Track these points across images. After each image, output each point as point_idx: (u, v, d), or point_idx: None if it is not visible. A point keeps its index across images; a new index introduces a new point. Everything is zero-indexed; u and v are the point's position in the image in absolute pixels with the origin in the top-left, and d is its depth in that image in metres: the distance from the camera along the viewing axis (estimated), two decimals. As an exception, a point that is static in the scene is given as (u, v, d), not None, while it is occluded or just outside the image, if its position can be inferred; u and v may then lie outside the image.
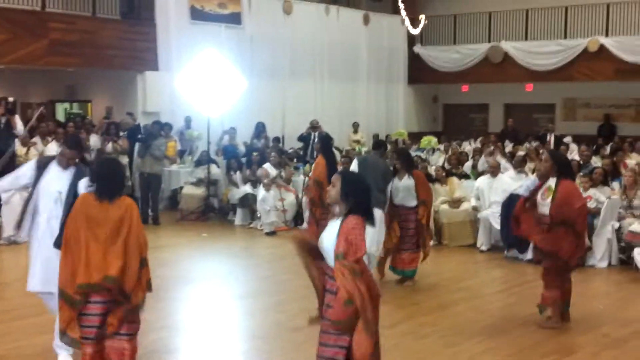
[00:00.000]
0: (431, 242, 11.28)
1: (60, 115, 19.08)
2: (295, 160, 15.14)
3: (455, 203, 11.83)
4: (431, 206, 9.16)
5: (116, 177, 5.40)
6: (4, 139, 12.53)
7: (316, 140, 14.78)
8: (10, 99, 13.03)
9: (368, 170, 10.11)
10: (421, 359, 6.49)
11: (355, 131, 19.58)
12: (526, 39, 21.40)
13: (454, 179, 12.20)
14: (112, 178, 5.35)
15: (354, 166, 9.96)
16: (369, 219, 4.54)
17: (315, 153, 11.21)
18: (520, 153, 14.03)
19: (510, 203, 10.56)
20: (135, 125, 15.17)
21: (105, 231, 5.17)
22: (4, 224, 11.46)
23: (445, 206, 11.82)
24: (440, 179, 12.16)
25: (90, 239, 5.15)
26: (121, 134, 14.53)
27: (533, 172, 11.49)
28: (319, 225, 9.61)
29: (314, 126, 16.90)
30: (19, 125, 12.95)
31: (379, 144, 11.32)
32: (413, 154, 14.12)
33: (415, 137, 20.01)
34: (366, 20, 21.54)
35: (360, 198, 4.55)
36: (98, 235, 5.16)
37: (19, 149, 12.59)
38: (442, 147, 17.19)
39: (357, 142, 18.79)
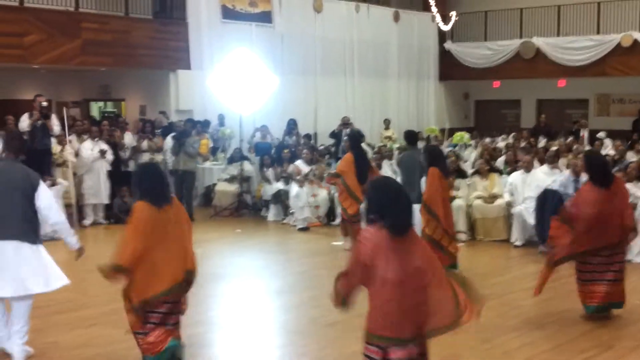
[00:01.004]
0: (463, 237, 11.30)
1: (95, 114, 19.30)
2: (327, 156, 15.17)
3: (490, 198, 11.79)
4: (436, 206, 8.83)
5: (164, 179, 5.70)
6: (41, 140, 12.72)
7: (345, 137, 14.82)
8: (44, 103, 13.12)
9: (403, 169, 10.26)
10: (456, 354, 6.47)
11: (387, 127, 19.56)
12: (558, 34, 21.22)
13: (495, 175, 12.14)
14: (163, 182, 5.62)
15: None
16: (393, 231, 4.24)
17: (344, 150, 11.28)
18: (554, 148, 13.94)
19: (545, 198, 10.57)
20: (168, 123, 15.33)
21: (174, 231, 5.47)
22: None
23: (479, 201, 11.78)
24: (483, 172, 12.12)
25: (158, 249, 5.39)
26: (156, 132, 14.67)
27: (567, 168, 11.40)
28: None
29: (345, 123, 16.93)
30: (55, 127, 13.13)
31: (411, 137, 11.34)
32: (445, 150, 14.10)
33: (449, 133, 19.95)
34: (396, 17, 21.51)
35: (385, 213, 4.29)
36: (166, 238, 5.41)
37: (54, 147, 12.76)
38: (474, 142, 17.12)
39: (389, 138, 18.76)
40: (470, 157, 15.41)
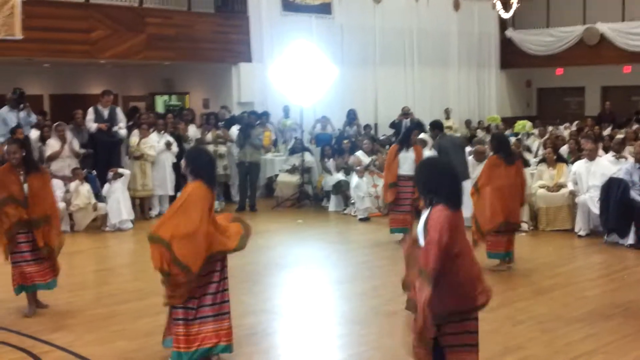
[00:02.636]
0: (525, 227, 11.19)
1: (160, 108, 19.68)
2: (387, 147, 15.17)
3: (555, 187, 11.65)
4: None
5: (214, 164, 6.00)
6: (106, 132, 13.06)
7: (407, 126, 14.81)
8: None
9: (449, 151, 10.36)
10: (519, 345, 6.44)
11: (447, 117, 19.44)
12: (623, 20, 20.72)
13: (564, 165, 11.99)
14: (213, 166, 5.88)
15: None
16: (452, 205, 4.34)
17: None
18: (619, 136, 13.67)
19: (610, 187, 10.41)
20: (231, 116, 15.56)
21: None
22: (110, 212, 11.96)
23: (542, 190, 11.66)
24: (550, 161, 12.01)
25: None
26: (219, 124, 14.92)
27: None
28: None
29: (406, 113, 16.90)
30: (122, 123, 13.43)
31: (435, 126, 11.76)
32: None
33: (509, 122, 19.73)
34: (456, 5, 21.32)
35: (438, 188, 4.38)
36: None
37: (132, 139, 13.04)
38: (536, 131, 16.89)
39: (449, 128, 18.64)
40: (533, 145, 15.24)
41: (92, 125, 13.03)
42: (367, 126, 16.68)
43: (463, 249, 4.37)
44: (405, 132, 11.65)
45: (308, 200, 14.34)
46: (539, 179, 11.90)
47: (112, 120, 13.18)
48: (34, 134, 12.69)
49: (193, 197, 5.51)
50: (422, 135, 11.93)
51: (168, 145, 13.11)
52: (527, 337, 6.66)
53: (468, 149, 12.41)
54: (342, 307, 7.88)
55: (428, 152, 11.22)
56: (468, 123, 19.16)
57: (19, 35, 13.41)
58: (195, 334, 5.59)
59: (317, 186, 14.41)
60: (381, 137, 16.10)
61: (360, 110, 17.31)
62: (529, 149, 14.85)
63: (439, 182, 4.39)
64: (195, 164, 5.67)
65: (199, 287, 5.55)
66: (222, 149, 14.24)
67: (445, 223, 4.25)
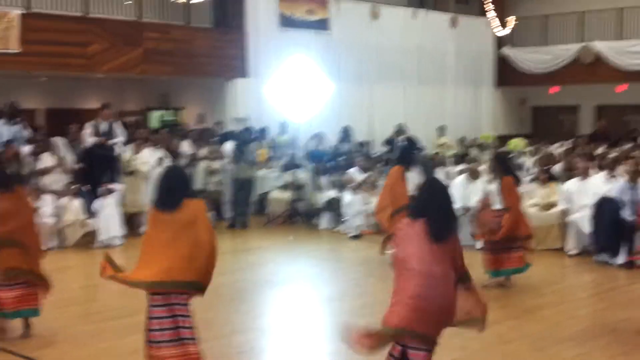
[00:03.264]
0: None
1: (155, 122, 19.66)
2: (380, 164, 15.18)
3: (546, 206, 11.66)
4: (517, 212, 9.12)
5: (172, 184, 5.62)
6: (103, 147, 13.03)
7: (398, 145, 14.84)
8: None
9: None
10: (508, 364, 6.45)
11: (441, 135, 19.44)
12: (621, 38, 20.80)
13: (555, 184, 12.01)
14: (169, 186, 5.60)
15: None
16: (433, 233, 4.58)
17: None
18: (612, 155, 13.69)
19: (602, 206, 10.41)
20: (225, 132, 15.55)
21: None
22: (100, 229, 11.92)
23: (534, 209, 11.66)
24: (543, 180, 12.03)
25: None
26: (214, 139, 14.91)
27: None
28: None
29: (400, 130, 16.90)
30: (121, 137, 13.41)
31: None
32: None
33: (503, 140, 19.77)
34: (454, 23, 21.40)
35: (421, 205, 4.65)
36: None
37: (126, 155, 12.99)
38: (530, 149, 16.90)
39: (444, 145, 18.65)
40: (525, 164, 15.25)
41: (88, 139, 13.01)
42: (361, 143, 16.68)
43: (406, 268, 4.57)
44: (406, 151, 11.59)
45: (300, 217, 14.31)
46: (530, 197, 11.89)
47: (109, 135, 13.15)
48: (27, 148, 12.67)
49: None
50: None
51: (160, 161, 13.08)
52: (517, 356, 6.65)
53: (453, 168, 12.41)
54: (332, 325, 7.85)
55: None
56: (462, 140, 19.16)
57: (16, 48, 13.48)
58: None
59: (310, 203, 14.38)
60: (374, 154, 16.08)
61: (356, 126, 17.33)
62: (520, 167, 14.85)
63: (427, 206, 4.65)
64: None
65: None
66: (215, 164, 14.23)
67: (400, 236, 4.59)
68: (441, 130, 19.54)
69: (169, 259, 5.26)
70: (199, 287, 5.39)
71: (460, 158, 14.70)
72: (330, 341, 7.24)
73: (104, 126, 13.16)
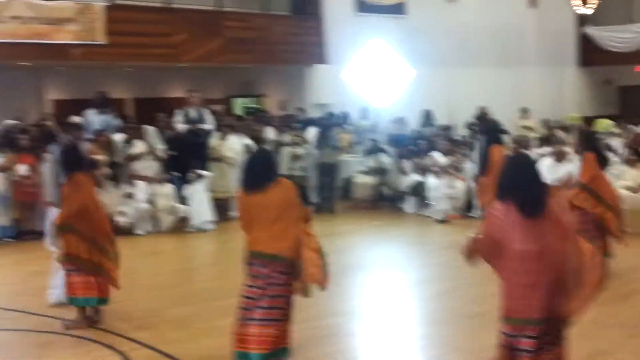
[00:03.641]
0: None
1: (238, 110, 19.95)
2: (464, 147, 15.07)
3: (637, 188, 11.36)
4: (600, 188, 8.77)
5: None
6: (194, 133, 13.34)
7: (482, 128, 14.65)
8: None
9: None
10: (604, 350, 6.33)
11: (524, 117, 19.12)
12: None
13: None
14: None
15: None
16: (524, 210, 4.33)
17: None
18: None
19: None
20: (306, 118, 15.69)
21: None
22: (191, 213, 12.24)
23: (626, 191, 11.37)
24: (630, 162, 11.73)
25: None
26: (296, 125, 15.07)
27: None
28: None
29: (482, 113, 16.72)
30: (209, 125, 13.71)
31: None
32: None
33: (590, 121, 19.32)
34: (532, 2, 20.98)
35: (515, 189, 4.37)
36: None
37: (213, 141, 13.31)
38: (619, 130, 16.47)
39: (527, 127, 18.35)
40: (614, 145, 14.88)
41: (180, 126, 13.33)
42: (445, 127, 16.58)
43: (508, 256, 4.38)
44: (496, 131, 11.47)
45: (385, 202, 14.34)
46: (621, 179, 11.61)
47: (199, 121, 13.47)
48: (118, 136, 13.06)
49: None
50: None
51: (246, 147, 13.31)
52: (612, 342, 6.53)
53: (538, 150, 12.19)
54: (421, 308, 7.89)
55: None
56: (545, 122, 18.81)
57: (101, 40, 13.88)
58: (243, 335, 5.59)
59: (393, 187, 14.39)
60: (457, 138, 15.96)
61: (437, 110, 17.23)
62: (610, 148, 14.50)
63: (511, 180, 4.43)
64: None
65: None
66: (299, 150, 14.38)
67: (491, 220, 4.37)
68: (524, 112, 19.22)
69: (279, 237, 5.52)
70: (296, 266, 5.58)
71: (544, 140, 14.46)
72: (418, 325, 7.29)
73: (193, 113, 13.46)
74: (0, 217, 11.60)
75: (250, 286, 5.60)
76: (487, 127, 11.69)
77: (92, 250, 6.98)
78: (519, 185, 4.35)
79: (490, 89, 19.70)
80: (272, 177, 5.68)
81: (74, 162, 7.18)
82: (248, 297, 5.60)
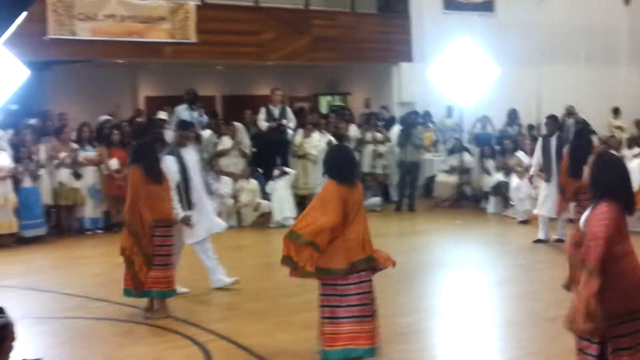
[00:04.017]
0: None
1: (324, 108, 20.16)
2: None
3: None
4: None
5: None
6: (277, 131, 13.61)
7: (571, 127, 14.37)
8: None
9: None
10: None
11: (616, 117, 18.60)
12: None
13: None
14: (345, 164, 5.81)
15: None
16: (628, 206, 4.25)
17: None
18: None
19: None
20: (390, 116, 15.73)
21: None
22: (274, 209, 12.47)
23: None
24: None
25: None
26: (379, 123, 15.13)
27: None
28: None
29: (570, 112, 16.37)
30: (292, 123, 13.95)
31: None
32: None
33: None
34: (626, 0, 20.34)
35: (612, 183, 4.26)
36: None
37: (296, 139, 13.54)
38: None
39: (619, 128, 17.86)
40: None
41: (263, 124, 13.60)
42: (529, 126, 16.31)
43: (626, 251, 4.25)
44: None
45: (466, 201, 14.25)
46: None
47: (282, 119, 13.71)
48: (206, 133, 13.41)
49: (326, 193, 5.58)
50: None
51: (329, 144, 13.45)
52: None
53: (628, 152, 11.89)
54: (499, 309, 7.84)
55: None
56: (638, 123, 18.24)
57: (193, 38, 14.26)
58: (338, 333, 5.56)
59: (476, 187, 14.29)
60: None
61: (523, 109, 16.94)
62: None
63: (611, 179, 4.29)
64: (327, 164, 5.80)
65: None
66: (381, 148, 14.45)
67: (610, 219, 4.15)
68: (615, 112, 18.70)
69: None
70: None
71: (635, 141, 14.05)
72: (496, 326, 7.24)
73: (276, 110, 13.71)
74: (92, 210, 12.11)
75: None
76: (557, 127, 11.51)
77: (133, 244, 7.25)
78: (625, 184, 4.32)
79: (578, 87, 19.22)
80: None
81: (138, 156, 7.52)
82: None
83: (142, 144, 8.31)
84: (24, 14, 2.72)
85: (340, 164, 5.70)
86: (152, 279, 7.24)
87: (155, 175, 7.39)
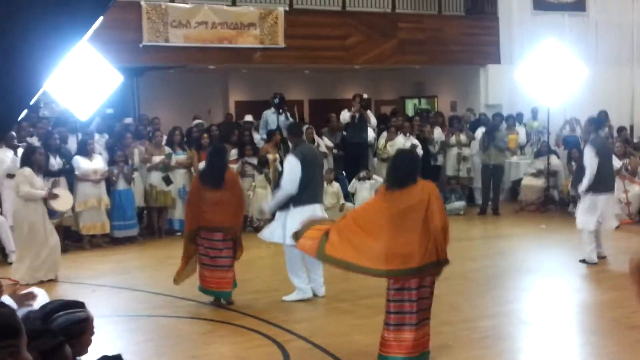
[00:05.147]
0: None
1: (410, 111, 20.20)
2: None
3: None
4: None
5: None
6: (358, 131, 13.76)
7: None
8: (365, 96, 14.26)
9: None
10: None
11: None
12: None
13: None
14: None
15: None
16: None
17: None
18: None
19: None
20: (475, 119, 15.63)
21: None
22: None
23: None
24: None
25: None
26: (464, 126, 15.06)
27: None
28: None
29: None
30: (372, 119, 14.10)
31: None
32: None
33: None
34: None
35: None
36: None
37: (380, 141, 13.66)
38: None
39: None
40: None
41: (346, 115, 13.80)
42: (621, 128, 15.87)
43: None
44: None
45: (553, 205, 14.01)
46: None
47: (362, 122, 13.85)
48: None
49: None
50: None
51: (413, 148, 13.49)
52: None
53: None
54: (580, 316, 7.76)
55: None
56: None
57: (281, 43, 14.55)
58: (400, 340, 5.76)
59: (563, 190, 14.02)
60: (636, 140, 15.24)
61: (614, 111, 16.50)
62: None
63: None
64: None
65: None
66: (466, 151, 14.37)
67: None
68: None
69: (397, 243, 5.63)
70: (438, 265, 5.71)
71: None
72: (578, 333, 7.17)
73: (357, 114, 13.85)
74: (181, 211, 12.46)
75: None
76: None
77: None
78: None
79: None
80: (414, 178, 5.83)
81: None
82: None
83: (211, 149, 8.71)
84: (100, 19, 2.91)
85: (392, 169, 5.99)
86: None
87: (211, 181, 7.89)
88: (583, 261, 9.77)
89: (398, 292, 5.75)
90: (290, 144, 8.54)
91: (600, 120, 10.29)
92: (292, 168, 7.79)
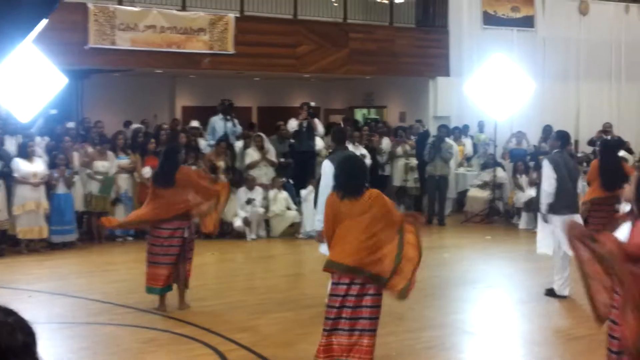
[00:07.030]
0: None
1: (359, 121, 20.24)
2: (584, 164, 14.61)
3: None
4: None
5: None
6: (306, 140, 13.69)
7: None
8: (312, 104, 14.20)
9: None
10: None
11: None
12: None
13: None
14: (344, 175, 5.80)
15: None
16: None
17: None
18: None
19: None
20: (424, 130, 15.70)
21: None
22: (304, 219, 12.51)
23: None
24: None
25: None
26: (411, 137, 15.11)
27: None
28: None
29: (606, 130, 16.15)
30: (320, 127, 14.04)
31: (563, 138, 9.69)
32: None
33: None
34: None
35: None
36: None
37: (322, 150, 13.60)
38: None
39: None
40: None
41: (293, 123, 13.71)
42: (564, 143, 16.11)
43: None
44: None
45: (498, 217, 14.14)
46: None
47: (310, 131, 13.78)
48: (239, 144, 13.53)
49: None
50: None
51: (362, 157, 13.46)
52: None
53: None
54: (524, 327, 7.78)
55: None
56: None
57: (231, 50, 14.42)
58: (329, 345, 5.55)
59: (509, 202, 14.19)
60: (579, 155, 15.48)
61: (559, 126, 16.67)
62: None
63: None
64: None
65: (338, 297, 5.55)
66: (413, 161, 14.43)
67: None
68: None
69: (360, 248, 5.47)
70: (382, 281, 5.51)
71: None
72: (520, 345, 7.17)
73: (304, 123, 13.78)
74: (122, 217, 12.20)
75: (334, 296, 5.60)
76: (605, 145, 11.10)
77: None
78: None
79: (619, 105, 18.98)
80: (365, 185, 5.71)
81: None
82: (332, 307, 5.58)
83: (164, 149, 8.55)
84: (45, 21, 2.77)
85: (340, 175, 5.77)
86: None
87: (162, 181, 7.77)
88: (551, 291, 8.80)
89: (334, 286, 5.61)
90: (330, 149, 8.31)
91: (567, 136, 9.48)
92: (326, 173, 7.41)
